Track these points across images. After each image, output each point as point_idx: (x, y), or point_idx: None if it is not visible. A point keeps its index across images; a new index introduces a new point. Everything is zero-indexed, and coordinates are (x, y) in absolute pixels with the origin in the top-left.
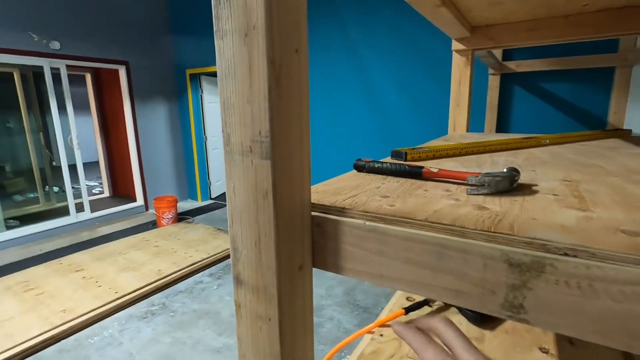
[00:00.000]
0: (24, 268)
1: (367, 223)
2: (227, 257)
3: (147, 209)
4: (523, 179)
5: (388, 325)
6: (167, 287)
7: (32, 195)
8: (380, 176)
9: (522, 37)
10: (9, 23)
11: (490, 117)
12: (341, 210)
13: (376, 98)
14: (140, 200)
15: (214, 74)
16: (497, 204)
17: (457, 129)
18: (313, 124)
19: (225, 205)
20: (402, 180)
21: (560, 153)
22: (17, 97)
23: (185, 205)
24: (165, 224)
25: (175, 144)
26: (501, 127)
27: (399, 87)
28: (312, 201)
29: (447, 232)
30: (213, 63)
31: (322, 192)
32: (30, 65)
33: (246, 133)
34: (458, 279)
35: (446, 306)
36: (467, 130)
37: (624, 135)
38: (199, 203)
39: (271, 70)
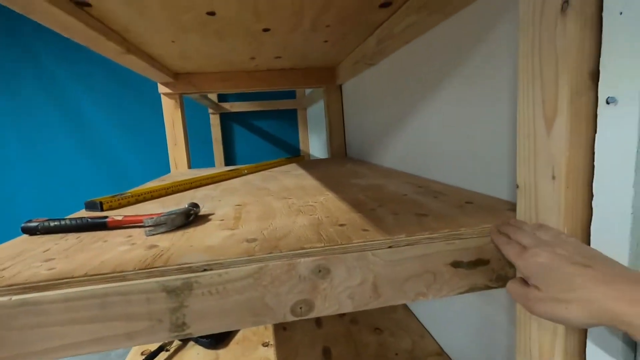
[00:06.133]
0: None
1: (14, 298)
2: None
3: None
4: (207, 209)
5: None
6: None
7: None
8: (59, 235)
9: (218, 86)
10: None
11: (218, 152)
12: None
13: (97, 142)
14: None
15: None
16: (168, 240)
17: (179, 167)
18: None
19: None
20: (84, 235)
21: (250, 181)
22: None
23: None
24: None
25: None
26: (230, 160)
27: (121, 129)
28: None
29: (109, 280)
30: None
31: None
32: None
33: None
34: (128, 320)
35: (183, 344)
36: (190, 167)
37: (299, 159)
38: None
39: None
